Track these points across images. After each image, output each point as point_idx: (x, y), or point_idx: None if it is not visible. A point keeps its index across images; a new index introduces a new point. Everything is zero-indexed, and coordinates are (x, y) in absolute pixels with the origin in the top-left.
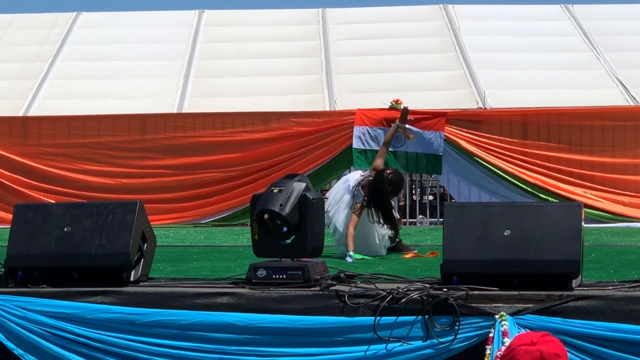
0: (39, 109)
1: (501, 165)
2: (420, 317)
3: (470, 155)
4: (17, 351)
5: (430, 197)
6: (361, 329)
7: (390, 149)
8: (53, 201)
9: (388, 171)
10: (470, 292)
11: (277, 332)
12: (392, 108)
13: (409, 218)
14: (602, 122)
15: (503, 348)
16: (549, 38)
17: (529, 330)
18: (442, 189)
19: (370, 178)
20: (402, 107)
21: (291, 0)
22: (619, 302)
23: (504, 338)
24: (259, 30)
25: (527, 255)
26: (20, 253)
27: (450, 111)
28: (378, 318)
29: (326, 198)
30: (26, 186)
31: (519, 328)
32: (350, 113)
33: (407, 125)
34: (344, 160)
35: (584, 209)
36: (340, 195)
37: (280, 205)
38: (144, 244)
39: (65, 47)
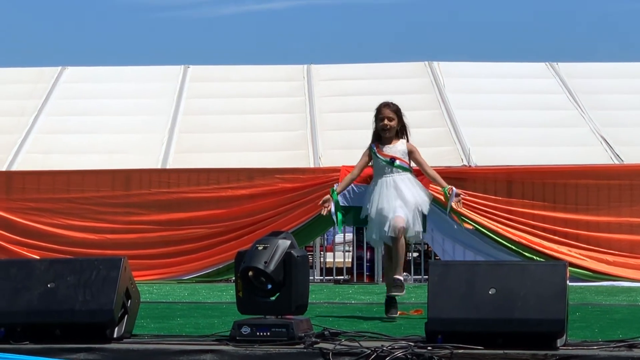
0: (23, 164)
1: (486, 223)
2: None
3: (455, 213)
4: None
5: (415, 255)
6: None
7: None
8: (37, 257)
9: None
10: (455, 351)
11: None
12: None
13: None
14: (586, 181)
15: None
16: (533, 96)
17: None
18: (426, 246)
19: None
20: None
21: (276, 57)
22: None
23: None
24: (244, 86)
25: (511, 314)
26: (2, 309)
27: (434, 169)
28: None
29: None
30: (9, 241)
31: None
32: (335, 170)
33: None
34: (328, 218)
35: (569, 268)
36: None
37: (265, 262)
38: (127, 301)
39: (49, 102)
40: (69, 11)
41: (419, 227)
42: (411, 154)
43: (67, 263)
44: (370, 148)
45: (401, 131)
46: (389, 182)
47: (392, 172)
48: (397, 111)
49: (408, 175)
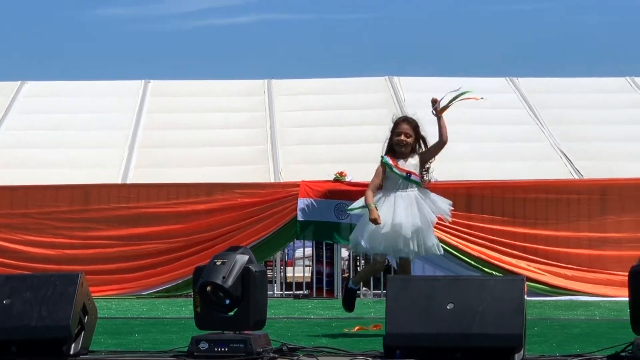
0: None
1: (445, 238)
2: None
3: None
4: None
5: None
6: None
7: (335, 221)
8: None
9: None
10: None
11: None
12: (336, 180)
13: None
14: (545, 195)
15: None
16: (494, 110)
17: None
18: (386, 261)
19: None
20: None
21: (237, 71)
22: None
23: None
24: (205, 100)
25: (470, 329)
26: None
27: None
28: None
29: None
30: None
31: None
32: (295, 185)
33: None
34: (288, 232)
35: (527, 282)
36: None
37: (223, 277)
38: (84, 316)
39: (8, 116)
40: (28, 25)
41: (433, 241)
42: (422, 160)
43: (23, 279)
44: (384, 163)
45: (415, 147)
46: (405, 197)
47: (407, 187)
48: (415, 127)
49: (423, 189)
